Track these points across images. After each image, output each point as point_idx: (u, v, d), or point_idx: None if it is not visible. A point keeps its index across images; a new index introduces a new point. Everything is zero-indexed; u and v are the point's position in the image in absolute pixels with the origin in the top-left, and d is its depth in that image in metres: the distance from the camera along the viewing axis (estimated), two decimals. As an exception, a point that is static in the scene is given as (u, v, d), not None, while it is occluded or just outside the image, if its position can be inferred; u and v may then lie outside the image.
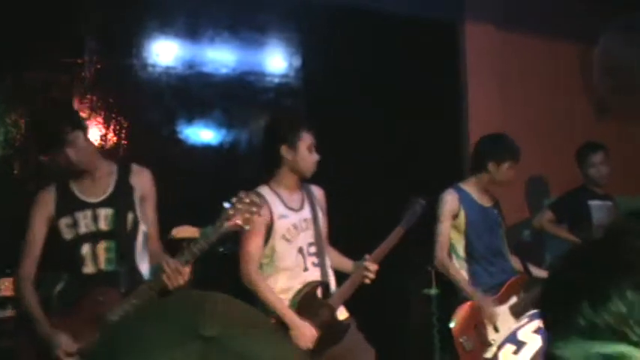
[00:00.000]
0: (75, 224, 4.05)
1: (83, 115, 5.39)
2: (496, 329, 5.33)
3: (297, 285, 4.64)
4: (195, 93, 5.95)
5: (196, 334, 0.77)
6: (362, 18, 6.54)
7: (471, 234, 5.50)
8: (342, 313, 4.78)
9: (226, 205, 3.90)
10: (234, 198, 3.91)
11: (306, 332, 4.52)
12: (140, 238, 4.17)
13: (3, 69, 5.24)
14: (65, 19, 5.47)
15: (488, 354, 5.17)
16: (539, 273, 5.63)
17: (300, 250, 4.68)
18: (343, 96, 6.33)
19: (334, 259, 4.92)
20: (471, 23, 7.12)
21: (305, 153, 4.67)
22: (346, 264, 4.93)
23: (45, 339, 3.86)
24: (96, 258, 4.04)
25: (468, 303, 5.37)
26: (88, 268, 4.04)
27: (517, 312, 5.31)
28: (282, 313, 4.51)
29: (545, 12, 7.33)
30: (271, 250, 4.62)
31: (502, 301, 5.45)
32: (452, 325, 5.34)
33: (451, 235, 5.51)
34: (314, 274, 4.71)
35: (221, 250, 4.90)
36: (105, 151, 5.42)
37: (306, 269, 4.69)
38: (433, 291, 5.51)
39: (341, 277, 4.87)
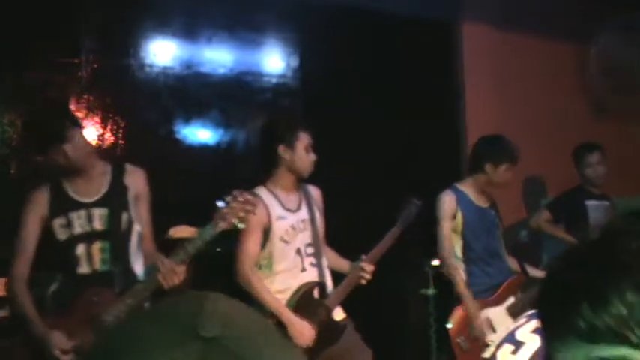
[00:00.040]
0: (69, 224, 4.04)
1: (80, 114, 5.39)
2: (493, 329, 5.34)
3: (294, 285, 4.64)
4: (192, 93, 5.94)
5: (196, 335, 0.77)
6: (359, 18, 6.53)
7: (468, 235, 5.51)
8: (338, 314, 4.78)
9: (220, 204, 3.89)
10: (229, 197, 3.91)
11: (304, 330, 4.53)
12: (134, 238, 4.17)
13: (0, 69, 5.24)
14: (62, 18, 5.47)
15: (487, 354, 5.17)
16: (537, 273, 5.63)
17: (298, 251, 4.69)
18: (340, 96, 6.33)
19: (331, 259, 4.93)
20: (468, 23, 7.12)
21: (302, 153, 4.68)
22: (343, 264, 4.93)
23: (40, 338, 3.85)
24: (91, 258, 4.04)
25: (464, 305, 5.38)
26: (83, 269, 4.03)
27: (514, 312, 5.31)
28: (279, 312, 4.51)
29: (542, 12, 7.33)
30: (269, 251, 4.62)
31: (499, 301, 5.45)
32: (449, 325, 5.34)
33: (452, 236, 5.52)
34: (311, 275, 4.71)
35: (217, 249, 4.90)
36: (102, 151, 5.41)
37: (303, 270, 4.69)
38: (430, 291, 5.51)
39: (338, 277, 4.87)
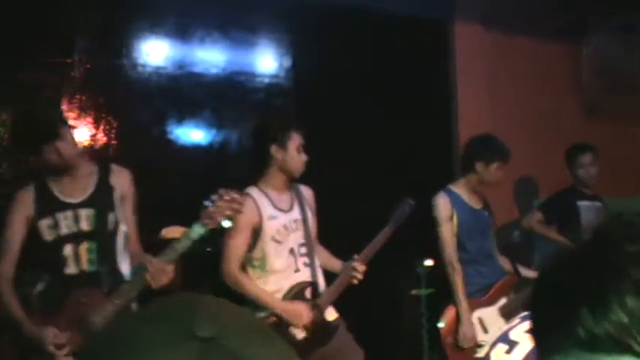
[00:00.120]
0: (56, 225, 4.03)
1: (73, 114, 5.39)
2: (485, 330, 5.35)
3: (287, 286, 4.65)
4: (185, 93, 5.93)
5: (193, 335, 0.78)
6: (352, 18, 6.53)
7: (463, 236, 5.51)
8: (331, 314, 4.78)
9: (207, 203, 3.89)
10: (215, 196, 3.91)
11: (299, 311, 4.55)
12: (121, 238, 4.16)
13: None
14: (55, 18, 5.46)
15: (480, 353, 5.18)
16: (529, 274, 5.64)
17: (292, 251, 4.69)
18: (333, 96, 6.32)
19: (323, 259, 4.93)
20: (460, 23, 7.12)
21: (294, 153, 4.68)
22: (335, 264, 4.94)
23: (31, 338, 3.83)
24: (78, 259, 4.02)
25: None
26: (70, 269, 4.02)
27: (507, 313, 5.32)
28: (271, 304, 4.53)
29: (534, 13, 7.34)
30: (261, 252, 4.63)
31: (491, 302, 5.46)
32: (441, 325, 5.35)
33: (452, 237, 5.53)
34: (305, 275, 4.72)
35: (207, 249, 4.90)
36: (95, 151, 5.41)
37: (297, 270, 4.70)
38: (422, 291, 5.51)
39: (330, 277, 4.87)
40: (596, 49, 7.57)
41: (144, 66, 5.80)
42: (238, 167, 5.70)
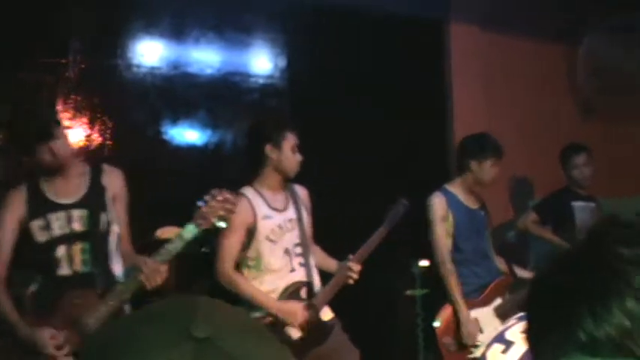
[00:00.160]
0: (48, 226, 4.00)
1: (68, 115, 5.38)
2: (481, 330, 5.35)
3: (282, 286, 4.65)
4: (180, 93, 5.93)
5: (189, 335, 0.78)
6: (347, 18, 6.53)
7: (458, 236, 5.51)
8: (326, 314, 4.78)
9: (200, 203, 3.89)
10: (208, 196, 3.90)
11: (294, 311, 4.55)
12: (113, 238, 4.14)
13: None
14: (50, 19, 5.45)
15: (477, 353, 5.18)
16: (524, 274, 5.65)
17: (287, 251, 4.69)
18: (328, 96, 6.33)
19: (319, 259, 4.93)
20: (456, 24, 7.13)
21: (289, 153, 4.69)
22: (331, 264, 4.94)
23: (27, 340, 3.80)
24: (71, 260, 4.00)
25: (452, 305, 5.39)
26: (64, 270, 4.00)
27: (502, 313, 5.32)
28: (265, 303, 4.53)
29: (530, 13, 7.34)
30: (256, 251, 4.63)
31: (487, 302, 5.46)
32: (436, 324, 5.35)
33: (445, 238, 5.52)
34: (300, 275, 4.72)
35: (202, 249, 4.90)
36: (89, 152, 5.41)
37: (292, 270, 4.70)
38: (418, 292, 5.51)
39: (326, 277, 4.87)
40: (592, 50, 7.58)
41: (139, 66, 5.79)
42: (233, 167, 5.70)
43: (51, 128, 3.94)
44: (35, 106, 4.42)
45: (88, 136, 5.52)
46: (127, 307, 3.95)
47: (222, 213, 3.90)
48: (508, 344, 4.36)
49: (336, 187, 5.98)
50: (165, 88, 5.87)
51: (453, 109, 7.06)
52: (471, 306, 5.39)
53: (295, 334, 4.59)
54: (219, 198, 3.90)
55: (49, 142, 3.91)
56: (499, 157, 5.57)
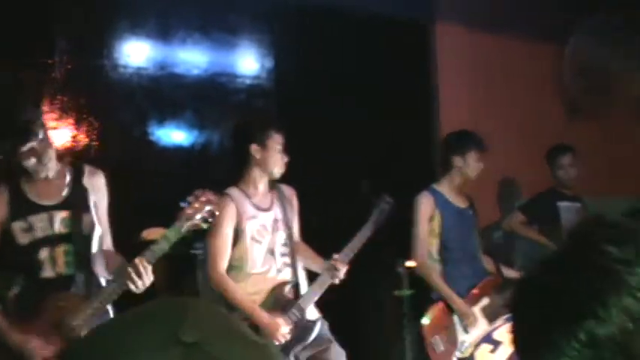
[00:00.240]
0: (30, 228, 3.95)
1: (54, 115, 5.37)
2: (466, 330, 5.35)
3: (268, 287, 4.64)
4: (166, 94, 5.93)
5: (178, 340, 0.78)
6: (333, 19, 6.54)
7: (446, 236, 5.50)
8: (312, 313, 4.78)
9: (183, 204, 3.88)
10: (191, 197, 3.89)
11: (276, 327, 4.53)
12: (96, 240, 4.12)
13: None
14: (36, 19, 5.43)
15: (465, 353, 5.19)
16: (511, 274, 5.66)
17: (272, 252, 4.69)
18: (314, 97, 6.34)
19: (307, 258, 4.92)
20: (441, 24, 7.14)
21: (275, 153, 4.68)
22: (319, 263, 4.93)
23: (14, 347, 3.77)
24: (54, 262, 3.95)
25: (441, 303, 5.39)
26: (47, 273, 3.94)
27: (489, 314, 5.33)
28: (250, 312, 4.51)
29: (515, 13, 7.36)
30: (242, 252, 4.62)
31: (474, 302, 5.46)
32: (424, 321, 5.34)
33: (428, 238, 5.52)
34: (285, 275, 4.72)
35: (190, 250, 4.89)
36: (75, 152, 5.39)
37: (278, 270, 4.70)
38: (404, 292, 5.51)
39: (314, 276, 4.87)
40: (578, 50, 7.60)
41: (125, 67, 5.79)
42: (220, 168, 5.69)
43: (35, 129, 3.91)
44: (19, 106, 4.37)
45: (74, 136, 5.51)
46: (110, 310, 3.93)
47: (205, 214, 3.89)
48: (496, 344, 4.37)
49: (321, 187, 5.98)
50: (152, 89, 5.87)
51: (438, 109, 7.07)
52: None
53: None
54: (203, 199, 3.89)
55: (33, 143, 3.88)
56: (482, 150, 5.57)
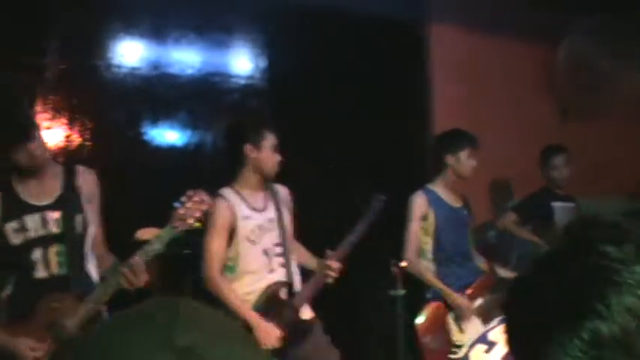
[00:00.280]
0: (23, 228, 3.92)
1: (47, 115, 5.36)
2: (461, 330, 5.36)
3: (262, 286, 4.64)
4: (160, 94, 5.92)
5: (171, 344, 0.77)
6: (328, 19, 6.54)
7: (441, 235, 5.51)
8: (306, 313, 4.78)
9: (176, 204, 3.87)
10: (184, 197, 3.89)
11: (270, 332, 4.52)
12: (89, 240, 4.10)
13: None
14: (29, 19, 5.42)
15: (460, 354, 5.19)
16: (506, 273, 5.67)
17: (266, 252, 4.68)
18: (308, 97, 6.33)
19: (301, 257, 4.93)
20: (436, 24, 7.14)
21: (268, 152, 4.68)
22: (313, 262, 4.93)
23: (5, 348, 3.75)
24: (48, 262, 3.93)
25: (436, 303, 5.40)
26: (40, 273, 3.92)
27: (483, 313, 5.34)
28: (245, 315, 4.50)
29: (510, 13, 7.37)
30: (236, 252, 4.62)
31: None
32: (419, 320, 5.35)
33: (420, 237, 5.52)
34: (279, 276, 4.71)
35: (185, 251, 4.88)
36: (69, 152, 5.38)
37: (272, 270, 4.69)
38: (399, 292, 5.51)
39: (308, 275, 4.87)
40: (570, 50, 7.61)
41: (119, 67, 5.78)
42: (214, 168, 5.68)
43: (28, 129, 3.90)
44: (13, 106, 4.36)
45: (68, 136, 5.50)
46: (104, 310, 3.92)
47: (198, 214, 3.88)
48: (491, 345, 4.36)
49: (317, 187, 5.98)
50: (146, 89, 5.86)
51: (433, 109, 7.07)
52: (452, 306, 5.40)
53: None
54: (196, 199, 3.89)
55: (26, 143, 3.87)
56: (474, 147, 5.57)
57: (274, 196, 4.83)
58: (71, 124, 5.51)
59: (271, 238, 4.72)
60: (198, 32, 6.09)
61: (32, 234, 3.93)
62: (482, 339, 4.90)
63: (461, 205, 5.69)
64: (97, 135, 5.58)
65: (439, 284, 5.39)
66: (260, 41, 6.38)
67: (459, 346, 5.26)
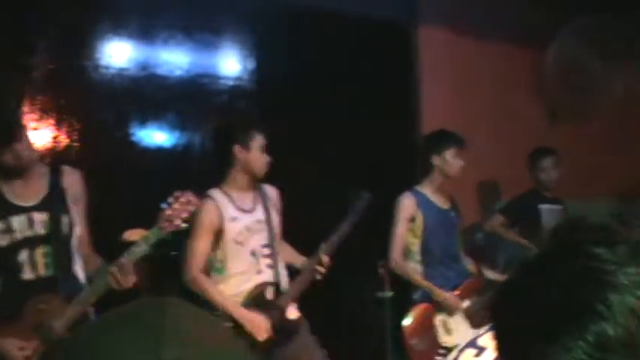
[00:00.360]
0: (9, 229, 3.90)
1: (35, 116, 5.34)
2: (448, 332, 5.36)
3: (249, 288, 4.63)
4: (148, 95, 5.90)
5: (157, 357, 0.76)
6: (316, 20, 6.54)
7: (429, 237, 5.51)
8: (293, 313, 4.77)
9: (163, 205, 3.87)
10: (171, 198, 3.88)
11: (258, 323, 4.53)
12: (75, 241, 4.09)
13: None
14: (17, 18, 5.40)
15: (449, 357, 5.19)
16: (493, 275, 5.68)
17: (254, 253, 4.68)
18: (297, 98, 6.33)
19: (289, 256, 4.92)
20: (425, 25, 7.15)
21: (257, 153, 4.68)
22: (299, 261, 4.93)
23: None
24: (34, 264, 3.91)
25: (423, 305, 5.40)
26: (27, 274, 3.90)
27: (470, 315, 5.34)
28: (231, 311, 4.51)
29: (499, 15, 7.38)
30: (223, 254, 4.61)
31: (456, 304, 5.47)
32: (406, 322, 5.35)
33: (407, 239, 5.52)
34: (267, 277, 4.71)
35: (172, 252, 4.87)
36: (56, 153, 5.36)
37: (259, 272, 4.69)
38: (386, 293, 5.51)
39: (296, 274, 4.86)
40: (559, 52, 7.63)
41: (107, 67, 5.76)
42: (202, 169, 5.68)
43: (16, 129, 3.88)
44: (0, 106, 4.33)
45: (55, 137, 5.48)
46: (91, 312, 3.91)
47: (185, 215, 3.88)
48: (480, 349, 4.35)
49: (304, 188, 5.97)
50: (134, 90, 5.84)
51: (422, 110, 7.08)
52: (439, 307, 5.41)
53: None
54: (183, 200, 3.88)
55: (14, 143, 3.85)
56: (460, 147, 5.57)
57: (263, 197, 4.82)
58: (59, 124, 5.49)
59: (259, 239, 4.71)
60: (187, 33, 6.08)
61: (18, 235, 3.90)
62: (472, 344, 4.91)
63: (449, 206, 5.69)
64: (84, 136, 5.57)
65: (426, 283, 5.40)
66: (248, 43, 6.37)
67: (447, 348, 5.26)
